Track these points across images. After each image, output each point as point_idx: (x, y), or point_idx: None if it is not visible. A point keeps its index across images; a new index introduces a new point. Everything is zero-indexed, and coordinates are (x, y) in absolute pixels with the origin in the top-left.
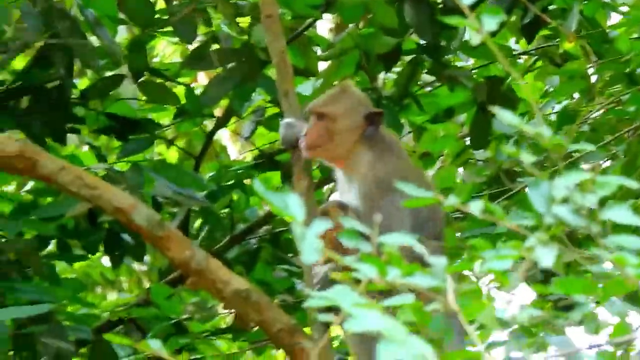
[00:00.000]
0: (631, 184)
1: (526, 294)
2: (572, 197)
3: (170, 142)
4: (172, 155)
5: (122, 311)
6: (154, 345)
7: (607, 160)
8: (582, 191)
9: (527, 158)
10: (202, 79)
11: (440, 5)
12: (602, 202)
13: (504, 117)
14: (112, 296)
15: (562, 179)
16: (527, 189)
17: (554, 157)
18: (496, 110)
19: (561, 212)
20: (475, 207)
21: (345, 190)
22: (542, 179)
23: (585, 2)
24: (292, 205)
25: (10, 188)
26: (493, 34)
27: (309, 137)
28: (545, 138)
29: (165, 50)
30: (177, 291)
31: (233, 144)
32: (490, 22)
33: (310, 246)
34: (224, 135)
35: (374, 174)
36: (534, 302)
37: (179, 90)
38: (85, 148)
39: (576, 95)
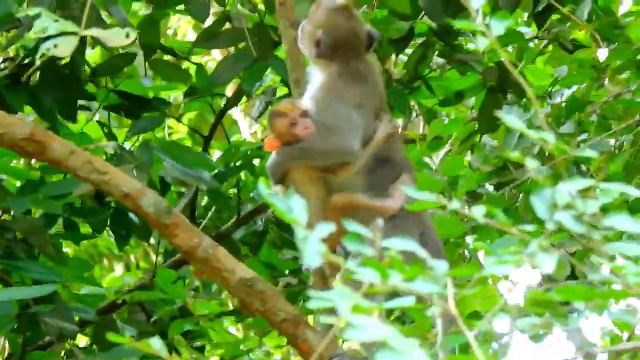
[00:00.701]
0: (633, 192)
1: (531, 276)
2: (574, 204)
3: (179, 120)
4: (182, 129)
5: (127, 293)
6: (155, 344)
7: (615, 149)
8: (585, 197)
9: (532, 163)
10: (216, 54)
11: None
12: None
13: (509, 121)
14: (119, 269)
15: (564, 185)
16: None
17: (558, 161)
18: (501, 114)
19: (563, 218)
20: (477, 212)
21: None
22: (546, 184)
23: None
24: (294, 208)
25: (15, 162)
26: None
27: (299, 29)
28: (549, 143)
29: (179, 23)
30: (182, 273)
31: (244, 119)
32: (498, 27)
33: (312, 249)
34: (235, 110)
35: (327, 84)
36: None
37: (191, 67)
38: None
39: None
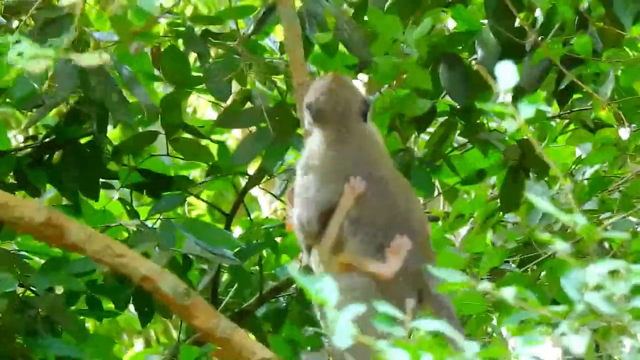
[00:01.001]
0: None
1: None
2: (604, 285)
3: (198, 197)
4: (201, 205)
5: None
6: None
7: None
8: (614, 278)
9: (562, 245)
10: (236, 130)
11: (475, 68)
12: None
13: (535, 201)
14: (139, 345)
15: (594, 266)
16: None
17: (587, 244)
18: (527, 195)
19: (593, 300)
20: (508, 294)
21: None
22: (575, 265)
23: (622, 69)
24: (324, 288)
25: None
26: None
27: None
28: (579, 225)
29: (198, 101)
30: (205, 350)
31: (264, 196)
32: (528, 110)
33: (342, 330)
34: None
35: (308, 153)
36: None
37: (211, 145)
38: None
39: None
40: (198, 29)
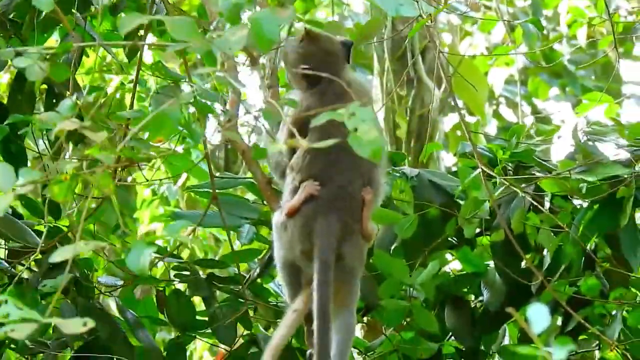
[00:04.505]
0: None
1: None
2: None
3: None
4: None
5: None
6: None
7: None
8: None
9: None
10: None
11: (481, 309)
12: None
13: None
14: None
15: None
16: None
17: None
18: None
19: None
20: None
21: None
22: None
23: (629, 310)
24: None
25: None
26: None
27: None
28: None
29: (195, 345)
30: None
31: None
32: (561, 353)
33: None
34: None
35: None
36: None
37: None
38: None
39: None
40: (202, 273)
